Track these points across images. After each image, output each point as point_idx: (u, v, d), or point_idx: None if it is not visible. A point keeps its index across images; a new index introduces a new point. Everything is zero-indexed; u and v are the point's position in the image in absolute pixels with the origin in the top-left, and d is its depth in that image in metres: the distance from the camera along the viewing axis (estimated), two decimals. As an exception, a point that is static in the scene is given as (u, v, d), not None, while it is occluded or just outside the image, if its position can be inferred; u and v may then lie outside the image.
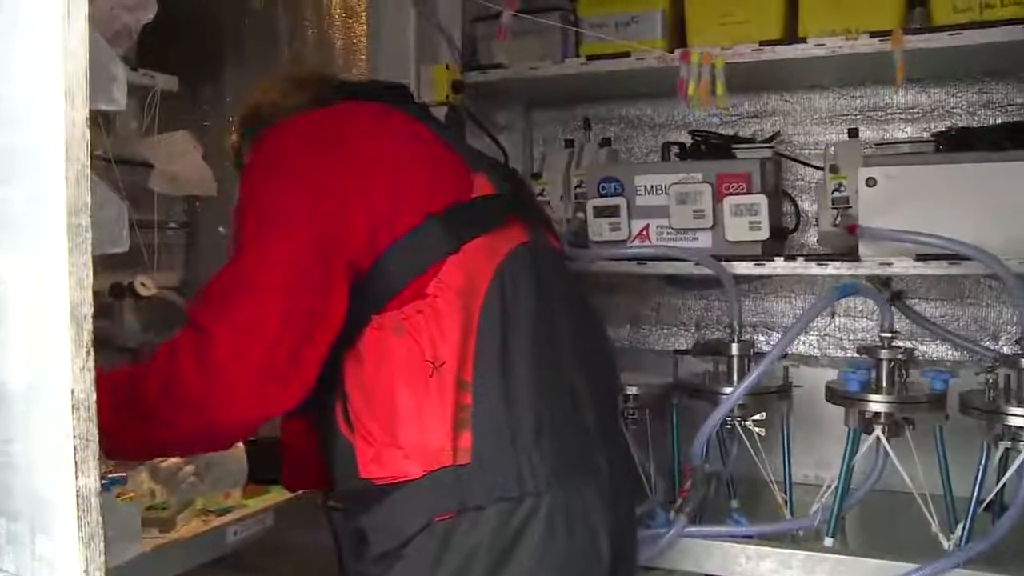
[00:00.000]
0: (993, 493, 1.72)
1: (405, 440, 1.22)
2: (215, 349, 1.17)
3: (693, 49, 1.98)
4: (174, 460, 1.51)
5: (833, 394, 1.81)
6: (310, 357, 1.21)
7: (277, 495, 1.70)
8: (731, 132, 2.30)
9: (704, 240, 2.00)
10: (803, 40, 1.95)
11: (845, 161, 1.96)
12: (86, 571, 0.83)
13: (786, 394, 1.93)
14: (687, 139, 2.22)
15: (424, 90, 2.13)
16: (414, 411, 1.21)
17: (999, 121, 2.16)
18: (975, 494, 1.69)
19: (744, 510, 1.89)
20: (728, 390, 1.82)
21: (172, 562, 1.47)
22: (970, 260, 1.72)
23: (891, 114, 2.28)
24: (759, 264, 1.95)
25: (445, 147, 1.39)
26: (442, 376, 1.21)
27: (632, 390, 1.91)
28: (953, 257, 1.75)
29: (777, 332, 2.37)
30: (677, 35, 2.12)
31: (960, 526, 1.70)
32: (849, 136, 2.08)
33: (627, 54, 2.08)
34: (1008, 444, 1.67)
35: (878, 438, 1.75)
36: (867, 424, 1.76)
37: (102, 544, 0.85)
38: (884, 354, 1.79)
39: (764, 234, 1.93)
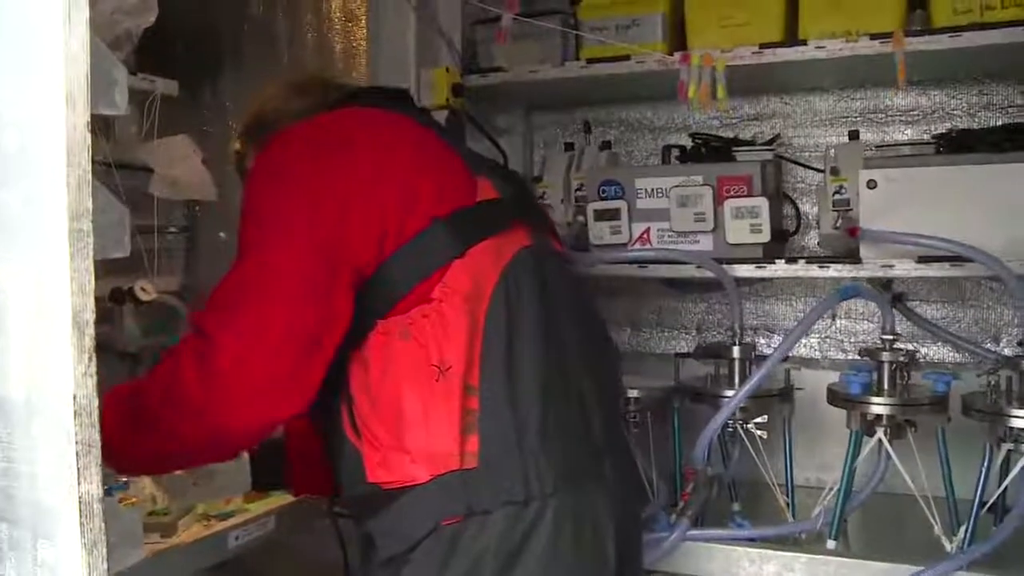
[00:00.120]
0: (996, 495, 1.72)
1: (412, 444, 1.21)
2: (218, 356, 1.17)
3: (693, 52, 1.98)
4: None
5: (835, 397, 1.81)
6: (315, 362, 1.20)
7: (279, 499, 1.69)
8: (731, 135, 2.30)
9: (705, 243, 2.00)
10: (803, 42, 1.95)
11: (846, 163, 1.96)
12: (88, 577, 0.83)
13: (788, 397, 1.93)
14: (687, 142, 2.23)
15: (424, 93, 2.13)
16: (420, 415, 1.21)
17: (999, 123, 2.16)
18: (977, 496, 1.69)
19: (746, 513, 1.89)
20: (730, 393, 1.82)
21: (173, 567, 1.46)
22: (971, 262, 1.72)
23: (891, 116, 2.28)
24: (760, 267, 1.95)
25: (449, 151, 1.39)
26: (448, 380, 1.21)
27: (633, 393, 1.91)
28: (954, 259, 1.75)
29: (778, 335, 2.37)
30: (677, 38, 2.12)
31: (963, 528, 1.70)
32: (849, 138, 2.08)
33: (627, 57, 2.08)
34: (1011, 446, 1.68)
35: (880, 440, 1.75)
36: (869, 426, 1.76)
37: (104, 550, 0.84)
38: (886, 356, 1.79)
39: (765, 237, 1.93)
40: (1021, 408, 1.65)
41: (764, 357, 1.81)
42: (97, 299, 0.85)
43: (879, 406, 1.74)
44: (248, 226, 1.27)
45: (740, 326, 1.96)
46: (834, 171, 1.97)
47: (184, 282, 2.30)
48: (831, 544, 1.75)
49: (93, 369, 0.83)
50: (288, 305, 1.20)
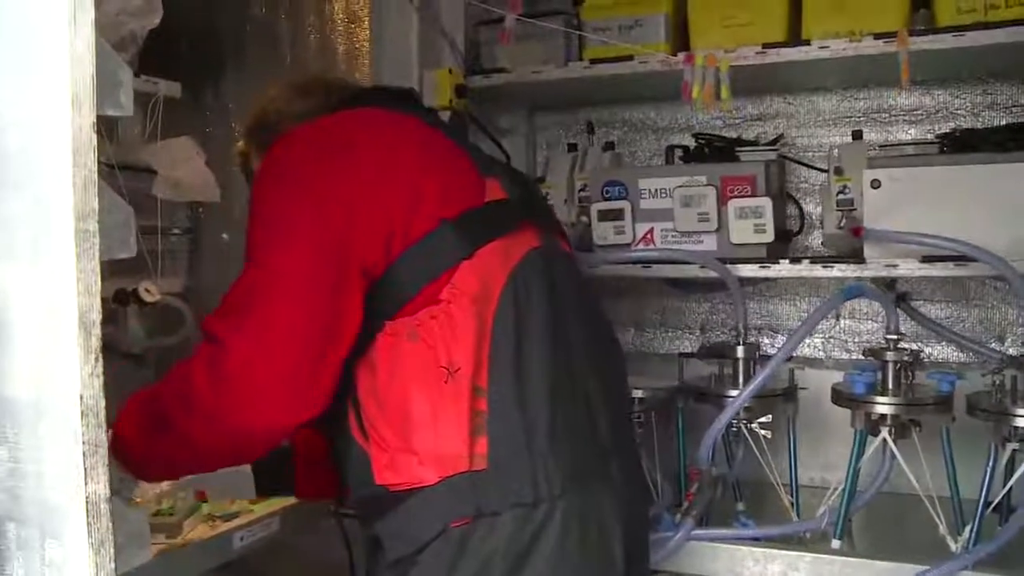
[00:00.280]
0: (1001, 495, 1.72)
1: (420, 446, 1.21)
2: (227, 359, 1.17)
3: (697, 52, 1.98)
4: None
5: (839, 396, 1.81)
6: (327, 364, 1.20)
7: (283, 500, 1.69)
8: (735, 135, 2.30)
9: (709, 243, 2.00)
10: (807, 42, 1.95)
11: (849, 163, 1.96)
12: (95, 577, 0.83)
13: (792, 396, 1.92)
14: (691, 142, 2.22)
15: (427, 95, 2.13)
16: (429, 417, 1.21)
17: (1003, 122, 2.15)
18: (983, 496, 1.68)
19: (750, 513, 1.88)
20: (734, 393, 1.82)
21: (178, 568, 1.47)
22: (976, 261, 1.72)
23: (895, 116, 2.28)
24: (764, 267, 1.95)
25: (456, 151, 1.38)
26: (457, 382, 1.21)
27: (637, 393, 1.91)
28: (959, 259, 1.75)
29: (782, 335, 2.36)
30: (680, 38, 2.12)
31: (968, 528, 1.69)
32: (853, 138, 2.08)
33: (630, 57, 2.08)
34: (1016, 446, 1.68)
35: (884, 440, 1.75)
36: (873, 426, 1.76)
37: (112, 550, 0.85)
38: (890, 356, 1.79)
39: (769, 236, 1.93)
40: (1026, 407, 1.65)
41: (768, 357, 1.81)
42: (101, 300, 0.85)
43: (883, 406, 1.74)
44: (254, 229, 1.27)
45: (744, 326, 1.95)
46: (838, 171, 1.97)
47: (188, 283, 2.30)
48: (836, 544, 1.74)
49: (100, 369, 0.84)
50: (292, 306, 1.19)
